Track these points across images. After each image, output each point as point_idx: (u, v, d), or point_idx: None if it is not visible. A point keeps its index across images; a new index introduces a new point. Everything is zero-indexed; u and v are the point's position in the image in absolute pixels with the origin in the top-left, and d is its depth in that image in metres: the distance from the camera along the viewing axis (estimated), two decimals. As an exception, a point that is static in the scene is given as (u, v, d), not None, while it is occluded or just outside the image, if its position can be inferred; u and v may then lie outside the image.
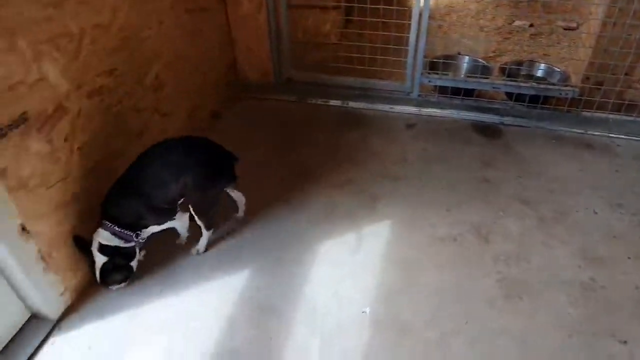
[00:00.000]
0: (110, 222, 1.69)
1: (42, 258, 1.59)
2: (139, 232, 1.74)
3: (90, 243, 1.70)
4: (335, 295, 1.77)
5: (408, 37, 2.58)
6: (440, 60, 2.68)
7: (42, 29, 1.49)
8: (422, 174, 2.32)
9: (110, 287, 1.77)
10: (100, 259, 1.70)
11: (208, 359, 1.57)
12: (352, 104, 2.80)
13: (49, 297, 1.65)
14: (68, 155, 1.64)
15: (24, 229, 1.50)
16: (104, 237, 1.68)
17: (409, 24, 2.56)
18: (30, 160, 1.49)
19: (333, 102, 2.82)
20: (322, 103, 2.83)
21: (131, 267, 1.77)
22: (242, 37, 2.81)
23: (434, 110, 2.72)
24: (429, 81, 2.69)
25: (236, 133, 2.65)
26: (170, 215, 1.82)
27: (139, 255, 1.81)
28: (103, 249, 1.68)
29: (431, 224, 2.04)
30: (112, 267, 1.71)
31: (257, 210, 2.12)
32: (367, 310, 1.71)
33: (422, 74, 2.66)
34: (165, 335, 1.65)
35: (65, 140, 1.62)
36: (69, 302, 1.73)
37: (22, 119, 1.44)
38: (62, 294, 1.70)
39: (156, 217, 1.78)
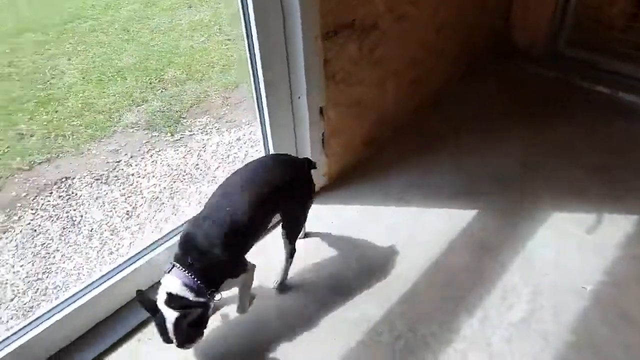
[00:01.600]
0: (185, 267, 1.34)
1: (322, 140, 1.98)
2: (214, 289, 1.38)
3: (153, 300, 1.35)
4: (557, 260, 1.79)
5: None
6: None
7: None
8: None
9: (185, 347, 1.39)
10: (170, 315, 1.30)
11: (421, 268, 1.79)
12: (623, 94, 2.58)
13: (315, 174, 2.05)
14: (367, 65, 1.96)
15: (321, 111, 1.89)
16: (173, 285, 1.33)
17: None
18: (343, 58, 1.85)
19: (600, 89, 2.64)
20: (587, 87, 2.68)
21: (206, 322, 1.39)
22: (524, -1, 2.78)
23: None
24: None
25: (486, 91, 2.72)
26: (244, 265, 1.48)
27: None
28: (172, 300, 1.31)
29: (687, 236, 1.85)
30: (188, 324, 1.30)
31: (494, 170, 2.21)
32: (589, 288, 1.69)
33: None
34: (391, 235, 1.92)
35: (370, 52, 1.94)
36: (325, 183, 2.12)
37: (350, 24, 1.78)
38: (324, 175, 2.09)
39: (237, 265, 1.45)
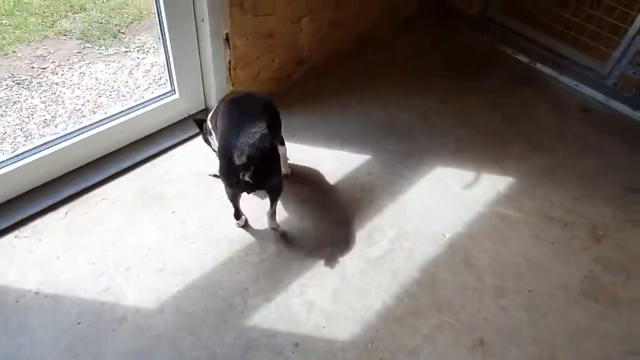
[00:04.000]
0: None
1: (228, 68, 2.01)
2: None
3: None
4: (427, 209, 1.94)
5: (634, 18, 2.33)
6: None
7: None
8: (570, 157, 2.23)
9: None
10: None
11: (297, 200, 1.91)
12: (539, 65, 2.68)
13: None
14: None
15: (227, 39, 1.90)
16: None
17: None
18: (251, -12, 1.85)
19: (520, 57, 2.73)
20: (510, 54, 2.76)
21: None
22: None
23: (623, 106, 2.47)
24: (634, 73, 2.43)
25: (412, 46, 2.77)
26: None
27: None
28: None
29: (550, 201, 2.02)
30: None
31: (393, 121, 2.31)
32: (447, 235, 1.86)
33: (630, 61, 2.41)
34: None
35: (282, -13, 1.94)
36: (231, 112, 2.18)
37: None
38: (230, 103, 2.14)
39: None
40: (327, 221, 1.86)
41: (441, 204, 1.96)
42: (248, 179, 1.47)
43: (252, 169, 1.46)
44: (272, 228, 1.82)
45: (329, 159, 2.07)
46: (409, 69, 2.61)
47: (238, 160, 1.47)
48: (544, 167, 2.16)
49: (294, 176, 1.99)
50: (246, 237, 1.77)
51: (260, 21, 1.96)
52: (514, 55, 2.75)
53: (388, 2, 2.60)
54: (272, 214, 1.78)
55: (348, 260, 1.74)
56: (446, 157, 2.15)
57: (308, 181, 1.98)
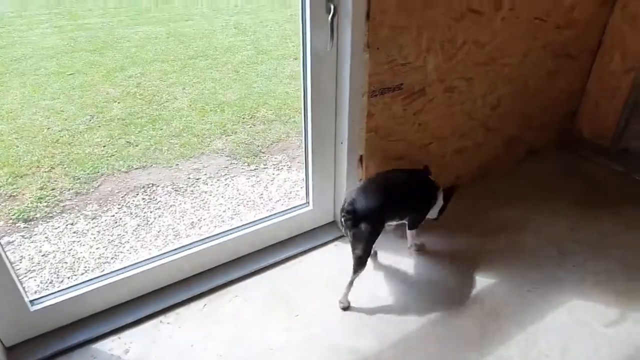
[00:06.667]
0: None
1: (359, 186, 2.18)
2: None
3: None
4: (563, 345, 1.76)
5: None
6: None
7: (439, 31, 2.01)
8: None
9: None
10: None
11: (423, 322, 1.87)
12: (687, 198, 2.47)
13: (348, 215, 2.25)
14: (410, 126, 2.16)
15: (360, 159, 2.10)
16: None
17: None
18: (387, 116, 2.06)
19: (664, 188, 2.55)
20: (650, 184, 2.60)
21: None
22: (596, 91, 2.81)
23: None
24: None
25: (539, 174, 2.75)
26: None
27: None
28: None
29: None
30: None
31: (523, 248, 2.23)
32: (591, 379, 1.65)
33: None
34: (402, 284, 2.02)
35: (414, 114, 2.14)
36: (357, 226, 2.30)
37: (398, 87, 2.01)
38: (356, 218, 2.28)
39: None
40: (447, 347, 1.77)
41: (579, 341, 1.77)
42: None
43: None
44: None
45: (452, 280, 2.04)
46: (534, 196, 2.57)
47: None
48: None
49: (420, 293, 1.98)
50: (366, 348, 1.75)
51: (392, 145, 2.15)
52: (656, 187, 2.58)
53: (512, 134, 2.68)
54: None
55: (472, 392, 1.61)
56: (582, 289, 1.98)
57: (430, 301, 1.95)
